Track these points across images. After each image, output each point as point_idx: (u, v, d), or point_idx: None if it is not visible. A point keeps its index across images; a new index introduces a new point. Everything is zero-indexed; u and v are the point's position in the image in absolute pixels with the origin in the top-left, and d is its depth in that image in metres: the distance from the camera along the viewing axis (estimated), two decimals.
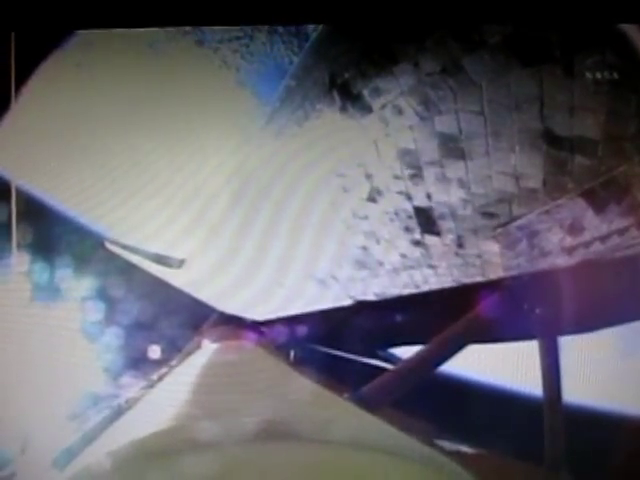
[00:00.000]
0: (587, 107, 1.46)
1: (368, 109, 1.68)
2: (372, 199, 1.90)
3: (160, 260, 2.22)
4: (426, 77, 1.56)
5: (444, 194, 1.78)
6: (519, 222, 1.75)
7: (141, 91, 1.79)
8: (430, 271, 2.04)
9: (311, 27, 1.61)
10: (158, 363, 1.92)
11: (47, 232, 1.95)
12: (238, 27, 1.64)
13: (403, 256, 2.03)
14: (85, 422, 1.81)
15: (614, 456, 1.63)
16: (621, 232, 1.63)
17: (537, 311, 1.85)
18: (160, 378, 1.81)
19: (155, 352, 1.94)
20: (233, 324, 2.19)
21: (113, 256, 2.18)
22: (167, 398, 1.39)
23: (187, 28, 1.66)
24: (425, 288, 2.10)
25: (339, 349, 2.18)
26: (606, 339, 1.80)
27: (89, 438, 1.51)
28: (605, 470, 1.62)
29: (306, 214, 1.89)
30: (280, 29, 1.63)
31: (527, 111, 1.51)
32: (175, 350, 1.98)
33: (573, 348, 1.80)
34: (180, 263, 2.22)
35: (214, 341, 1.94)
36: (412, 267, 2.05)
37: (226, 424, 0.94)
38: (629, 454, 1.63)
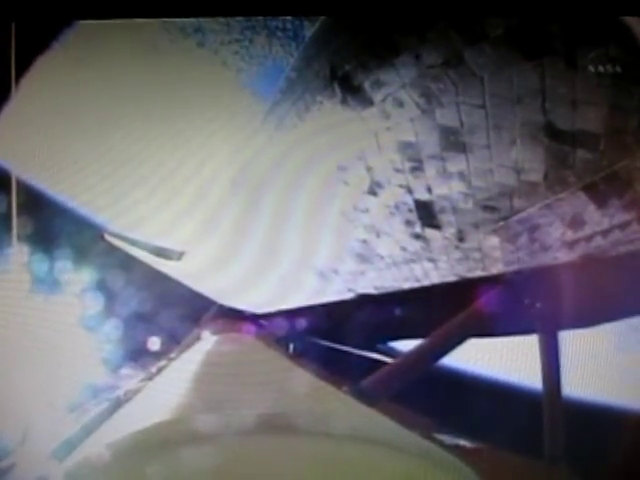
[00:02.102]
0: (589, 100, 1.45)
1: (369, 101, 1.68)
2: (372, 192, 1.90)
3: (160, 252, 2.23)
4: (427, 69, 1.55)
5: (445, 187, 1.78)
6: (520, 216, 1.74)
7: (141, 85, 1.79)
8: (430, 265, 2.04)
9: (308, 30, 1.61)
10: (157, 355, 1.93)
11: (47, 224, 1.95)
12: (238, 30, 1.65)
13: (403, 249, 2.03)
14: (85, 414, 1.82)
15: (612, 449, 1.64)
16: (622, 227, 1.63)
17: (537, 305, 1.85)
18: (159, 370, 1.82)
19: (155, 344, 1.94)
20: (232, 317, 2.20)
21: (112, 248, 2.18)
22: (166, 390, 1.39)
23: (189, 30, 1.67)
24: (425, 282, 2.10)
25: (339, 342, 2.18)
26: (602, 334, 1.80)
27: (89, 429, 1.51)
28: (603, 463, 1.62)
29: (307, 207, 1.89)
30: (279, 33, 1.63)
31: (529, 104, 1.51)
32: (174, 342, 1.98)
33: (570, 343, 1.81)
34: (180, 255, 2.22)
35: (214, 333, 1.95)
36: (412, 260, 2.05)
37: (225, 417, 0.95)
38: (627, 447, 1.63)
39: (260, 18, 1.60)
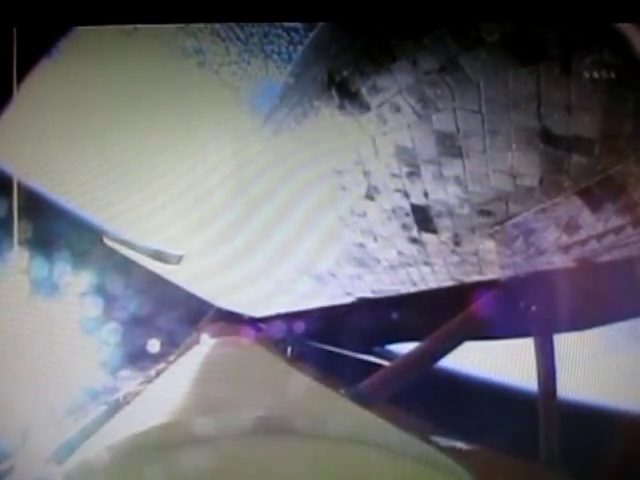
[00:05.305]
0: (584, 106, 1.46)
1: (366, 107, 1.69)
2: (370, 197, 1.90)
3: (159, 256, 2.23)
4: (424, 75, 1.56)
5: (441, 192, 1.79)
6: (516, 220, 1.75)
7: (142, 93, 1.80)
8: (427, 268, 2.05)
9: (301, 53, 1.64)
10: (156, 358, 1.94)
11: (47, 228, 1.96)
12: (236, 53, 1.67)
13: (400, 253, 2.04)
14: (84, 416, 1.82)
15: (607, 451, 1.64)
16: (617, 231, 1.64)
17: (533, 309, 1.86)
18: (158, 373, 1.83)
19: (154, 347, 1.95)
20: (231, 320, 2.20)
21: (112, 252, 2.19)
22: (165, 393, 1.40)
23: (189, 51, 1.69)
24: (422, 285, 2.11)
25: (336, 345, 2.19)
26: (597, 337, 1.81)
27: (88, 432, 1.52)
28: (599, 464, 1.63)
29: (304, 211, 1.90)
30: (274, 56, 1.65)
31: (524, 110, 1.52)
32: (173, 345, 1.99)
33: (565, 345, 1.82)
34: (178, 259, 2.23)
35: (212, 337, 1.96)
36: (409, 264, 2.06)
37: (224, 419, 0.96)
38: (622, 449, 1.64)
39: (257, 42, 1.62)
